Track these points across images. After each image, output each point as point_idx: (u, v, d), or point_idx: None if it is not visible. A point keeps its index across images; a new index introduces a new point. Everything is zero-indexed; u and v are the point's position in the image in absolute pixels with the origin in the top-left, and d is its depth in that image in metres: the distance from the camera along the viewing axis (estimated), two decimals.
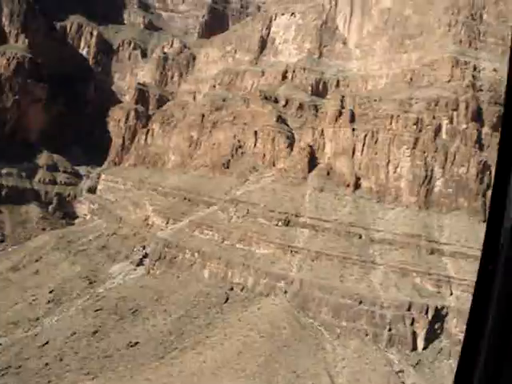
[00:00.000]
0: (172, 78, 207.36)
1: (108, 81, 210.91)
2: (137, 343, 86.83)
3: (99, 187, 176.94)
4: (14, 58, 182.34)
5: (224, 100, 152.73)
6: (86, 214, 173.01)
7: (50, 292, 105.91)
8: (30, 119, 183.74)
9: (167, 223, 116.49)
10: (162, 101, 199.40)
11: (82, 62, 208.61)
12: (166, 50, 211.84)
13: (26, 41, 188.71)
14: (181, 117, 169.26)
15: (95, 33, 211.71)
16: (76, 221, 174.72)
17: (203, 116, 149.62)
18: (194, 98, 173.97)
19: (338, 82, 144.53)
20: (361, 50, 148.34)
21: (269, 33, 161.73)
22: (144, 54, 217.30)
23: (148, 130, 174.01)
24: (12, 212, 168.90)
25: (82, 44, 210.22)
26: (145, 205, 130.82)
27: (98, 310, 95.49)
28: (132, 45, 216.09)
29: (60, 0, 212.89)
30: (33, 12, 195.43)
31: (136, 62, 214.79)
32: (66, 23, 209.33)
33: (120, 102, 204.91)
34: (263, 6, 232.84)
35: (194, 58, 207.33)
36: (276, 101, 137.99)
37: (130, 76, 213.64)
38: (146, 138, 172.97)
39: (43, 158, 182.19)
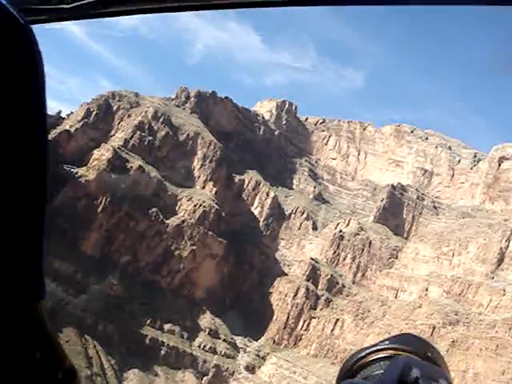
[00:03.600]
0: (344, 259, 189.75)
1: (273, 247, 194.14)
2: None
3: (265, 369, 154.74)
4: (200, 205, 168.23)
5: (456, 313, 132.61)
6: None
7: None
8: (202, 274, 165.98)
9: None
10: (331, 282, 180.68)
11: (252, 221, 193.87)
12: (341, 228, 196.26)
13: (214, 190, 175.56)
14: (380, 314, 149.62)
15: (271, 194, 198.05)
16: None
17: (434, 328, 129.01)
18: (396, 296, 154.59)
19: None
20: None
21: (508, 245, 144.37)
22: (313, 227, 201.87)
23: (337, 320, 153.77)
24: (168, 377, 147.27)
25: (256, 202, 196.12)
26: None
27: None
28: (304, 214, 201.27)
29: (240, 151, 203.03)
30: (221, 160, 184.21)
31: (306, 233, 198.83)
32: (244, 177, 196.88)
33: (282, 271, 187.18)
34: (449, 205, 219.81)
35: (370, 243, 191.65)
36: None
37: (297, 247, 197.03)
38: (333, 329, 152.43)
39: (206, 321, 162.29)
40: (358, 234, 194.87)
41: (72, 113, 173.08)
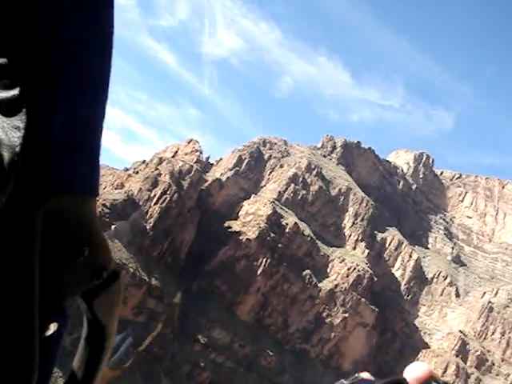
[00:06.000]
0: (493, 333, 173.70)
1: (413, 313, 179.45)
2: None
3: None
4: (354, 269, 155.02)
5: None
6: None
7: None
8: (351, 345, 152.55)
9: None
10: (481, 359, 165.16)
11: (393, 283, 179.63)
12: (489, 297, 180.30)
13: (366, 251, 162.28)
14: None
15: (414, 256, 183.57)
16: None
17: None
18: None
19: None
20: None
21: None
22: (456, 294, 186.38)
23: None
24: None
25: (398, 264, 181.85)
26: None
27: None
28: (448, 280, 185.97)
29: (379, 206, 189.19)
30: (372, 219, 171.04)
31: (448, 300, 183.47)
32: (386, 235, 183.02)
33: (423, 341, 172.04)
34: None
35: None
36: None
37: (439, 315, 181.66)
38: None
39: None
40: (508, 306, 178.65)
41: (221, 159, 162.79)
